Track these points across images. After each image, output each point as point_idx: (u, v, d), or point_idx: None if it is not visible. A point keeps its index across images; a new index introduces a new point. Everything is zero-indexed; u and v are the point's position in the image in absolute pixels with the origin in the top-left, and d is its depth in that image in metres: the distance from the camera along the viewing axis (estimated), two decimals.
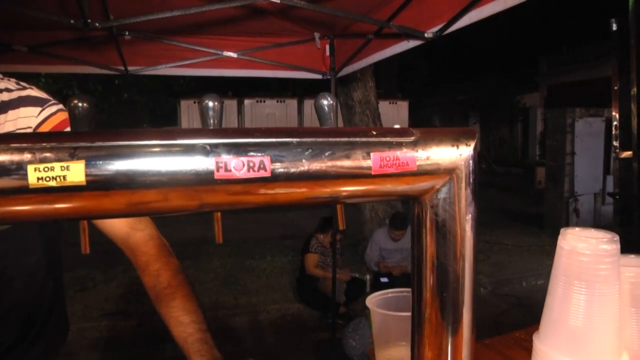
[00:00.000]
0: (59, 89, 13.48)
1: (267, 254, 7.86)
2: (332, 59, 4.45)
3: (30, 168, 0.53)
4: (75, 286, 6.24)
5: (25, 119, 1.19)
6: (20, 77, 1.28)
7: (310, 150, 0.61)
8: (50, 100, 1.24)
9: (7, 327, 1.29)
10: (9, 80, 1.24)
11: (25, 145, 0.53)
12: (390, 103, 13.60)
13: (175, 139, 0.57)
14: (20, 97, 1.21)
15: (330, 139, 0.63)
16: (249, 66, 4.43)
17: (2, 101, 1.19)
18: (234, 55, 4.20)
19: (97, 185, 0.54)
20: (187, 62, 4.27)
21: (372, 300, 1.12)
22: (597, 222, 9.48)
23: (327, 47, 4.47)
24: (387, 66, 14.82)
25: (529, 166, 16.51)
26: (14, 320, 1.30)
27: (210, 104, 0.66)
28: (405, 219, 6.08)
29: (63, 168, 0.53)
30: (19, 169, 0.52)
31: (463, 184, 0.72)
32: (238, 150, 0.58)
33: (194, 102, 10.08)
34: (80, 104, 0.64)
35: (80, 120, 0.64)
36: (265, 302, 5.99)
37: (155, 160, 0.55)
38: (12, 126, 1.18)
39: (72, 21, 2.65)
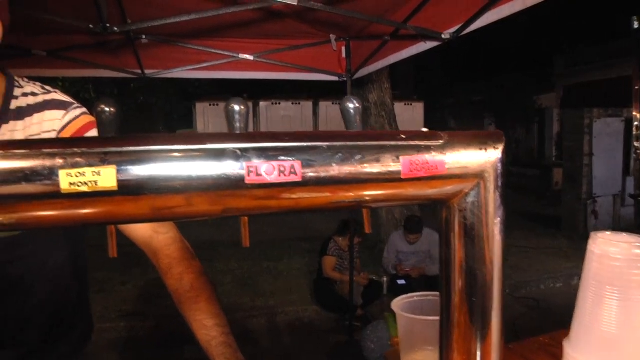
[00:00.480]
0: (76, 92, 13.61)
1: (284, 256, 7.87)
2: (348, 61, 4.45)
3: (62, 173, 0.53)
4: (93, 287, 6.29)
5: (50, 122, 1.22)
6: (38, 81, 1.31)
7: (340, 154, 0.61)
8: (74, 104, 1.27)
9: (33, 329, 1.31)
10: (34, 84, 1.28)
11: (57, 150, 0.53)
12: (405, 104, 13.56)
13: (205, 144, 0.57)
14: (45, 101, 1.24)
15: (360, 143, 0.63)
16: (265, 68, 4.44)
17: (28, 105, 1.22)
18: (250, 57, 4.21)
19: (128, 190, 0.54)
20: (204, 65, 4.29)
21: (398, 303, 1.12)
22: (616, 225, 9.36)
23: (343, 48, 4.47)
24: (403, 67, 14.79)
25: (546, 167, 16.35)
26: (39, 321, 1.32)
27: (237, 107, 0.66)
28: (420, 223, 6.05)
29: (94, 173, 0.53)
30: (51, 174, 0.53)
31: (492, 188, 0.71)
32: (268, 154, 0.58)
33: (210, 105, 10.11)
34: (107, 109, 0.64)
35: (108, 124, 0.64)
36: (283, 304, 6.00)
37: (186, 165, 0.55)
38: (38, 129, 1.21)
39: (90, 26, 2.68)
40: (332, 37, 4.32)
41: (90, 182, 0.53)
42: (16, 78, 1.26)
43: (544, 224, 10.10)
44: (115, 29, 2.74)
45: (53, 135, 1.21)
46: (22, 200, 0.53)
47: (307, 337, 5.35)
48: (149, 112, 16.30)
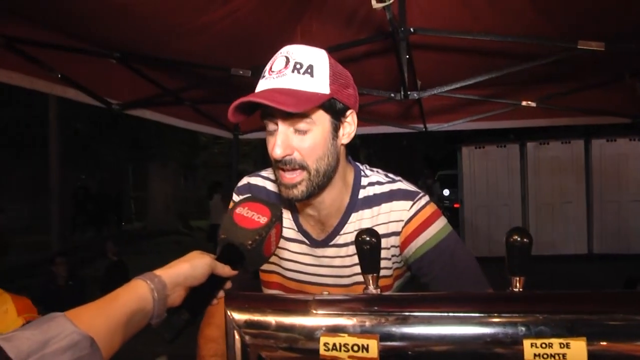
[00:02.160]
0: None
1: None
2: None
3: (526, 343, 0.49)
4: None
5: (398, 212, 1.28)
6: None
7: None
8: (419, 193, 1.30)
9: None
10: (377, 172, 1.37)
11: (520, 317, 0.50)
12: None
13: None
14: (391, 191, 1.30)
15: None
16: (548, 115, 4.19)
17: (374, 194, 1.31)
18: (532, 104, 4.00)
19: None
20: (484, 116, 4.20)
21: None
22: None
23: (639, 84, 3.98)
24: None
25: None
26: None
27: None
28: None
29: (562, 345, 0.48)
30: (514, 342, 0.49)
31: None
32: None
33: (475, 148, 9.94)
34: (520, 239, 0.60)
35: (518, 257, 0.59)
36: None
37: None
38: (386, 218, 1.28)
39: (392, 94, 2.83)
40: (626, 73, 3.88)
41: (557, 355, 0.48)
42: (361, 167, 1.36)
43: None
44: (415, 95, 2.85)
45: (401, 225, 1.27)
46: None
47: None
48: (411, 155, 16.79)
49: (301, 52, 1.14)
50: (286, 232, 1.37)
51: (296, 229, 1.36)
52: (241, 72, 2.77)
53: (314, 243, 1.34)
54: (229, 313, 0.69)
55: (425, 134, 4.59)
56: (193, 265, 0.88)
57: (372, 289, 0.70)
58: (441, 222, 1.27)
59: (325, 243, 1.33)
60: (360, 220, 1.29)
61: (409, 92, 2.76)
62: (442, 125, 4.39)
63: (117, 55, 2.90)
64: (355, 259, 1.28)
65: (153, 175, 16.12)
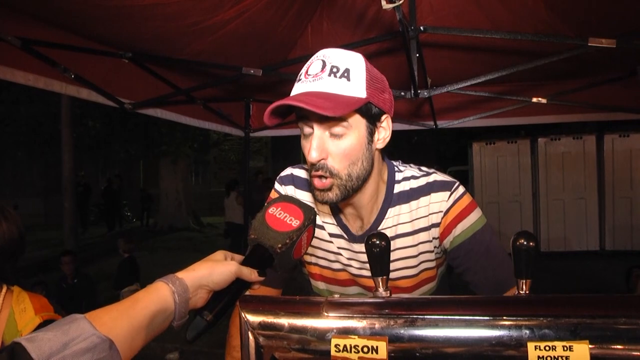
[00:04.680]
0: None
1: None
2: None
3: (530, 346, 0.51)
4: None
5: (437, 204, 1.29)
6: None
7: None
8: (455, 182, 1.32)
9: None
10: (411, 167, 1.38)
11: (525, 320, 0.52)
12: None
13: None
14: (428, 184, 1.31)
15: None
16: (559, 111, 4.18)
17: (410, 188, 1.32)
18: (543, 101, 3.99)
19: None
20: (495, 112, 4.20)
21: None
22: None
23: None
24: None
25: None
26: None
27: None
28: None
29: (565, 348, 0.50)
30: (519, 345, 0.51)
31: None
32: None
33: (486, 144, 9.90)
34: (526, 243, 0.61)
35: (524, 260, 0.61)
36: None
37: None
38: (425, 211, 1.30)
39: (402, 93, 2.84)
40: (639, 68, 3.85)
41: (560, 357, 0.50)
42: (395, 163, 1.38)
43: None
44: (425, 93, 2.86)
45: (440, 216, 1.28)
46: None
47: None
48: (422, 151, 16.76)
49: (337, 56, 1.15)
50: (330, 228, 1.40)
51: (336, 224, 1.39)
52: (252, 71, 2.80)
53: (352, 238, 1.36)
54: (243, 315, 0.71)
55: (435, 130, 4.61)
56: (213, 272, 0.86)
57: (381, 292, 0.71)
58: (477, 214, 1.29)
59: (363, 239, 1.33)
60: (398, 215, 1.32)
61: (419, 91, 2.78)
62: (453, 122, 4.40)
63: (129, 55, 2.94)
64: (395, 255, 1.31)
65: (164, 171, 16.15)
